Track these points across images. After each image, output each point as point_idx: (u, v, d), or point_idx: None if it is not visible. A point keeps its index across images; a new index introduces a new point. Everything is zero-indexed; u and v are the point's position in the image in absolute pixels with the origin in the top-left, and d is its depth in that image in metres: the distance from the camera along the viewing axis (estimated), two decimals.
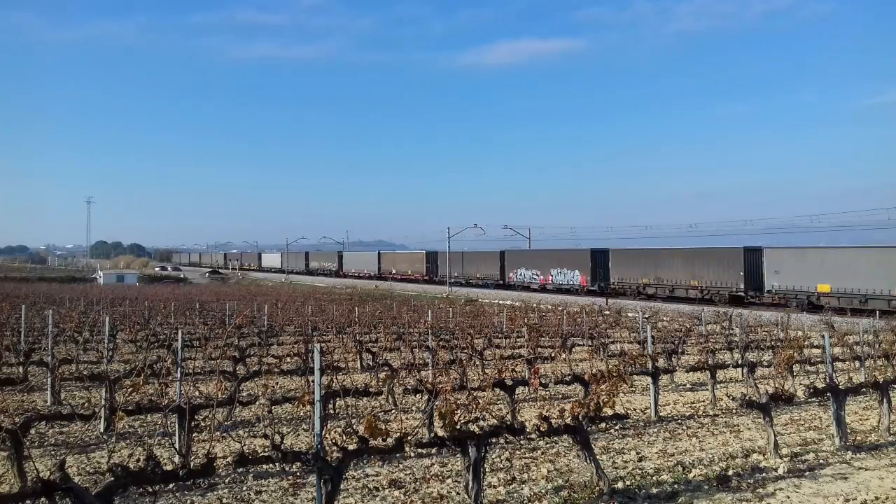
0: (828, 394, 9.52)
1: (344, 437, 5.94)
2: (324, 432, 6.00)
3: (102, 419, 10.42)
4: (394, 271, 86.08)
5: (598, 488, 7.27)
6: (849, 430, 9.89)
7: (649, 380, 12.07)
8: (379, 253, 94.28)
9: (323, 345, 17.72)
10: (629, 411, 11.31)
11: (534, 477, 8.10)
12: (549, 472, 8.26)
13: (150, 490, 5.39)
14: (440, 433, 6.68)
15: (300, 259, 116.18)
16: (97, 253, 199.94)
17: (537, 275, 63.10)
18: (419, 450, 8.46)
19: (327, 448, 5.94)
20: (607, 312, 32.14)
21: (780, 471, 8.22)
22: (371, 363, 15.90)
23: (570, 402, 8.16)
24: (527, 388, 12.05)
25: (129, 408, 8.33)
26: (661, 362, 14.29)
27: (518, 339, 21.75)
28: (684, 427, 11.15)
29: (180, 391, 9.93)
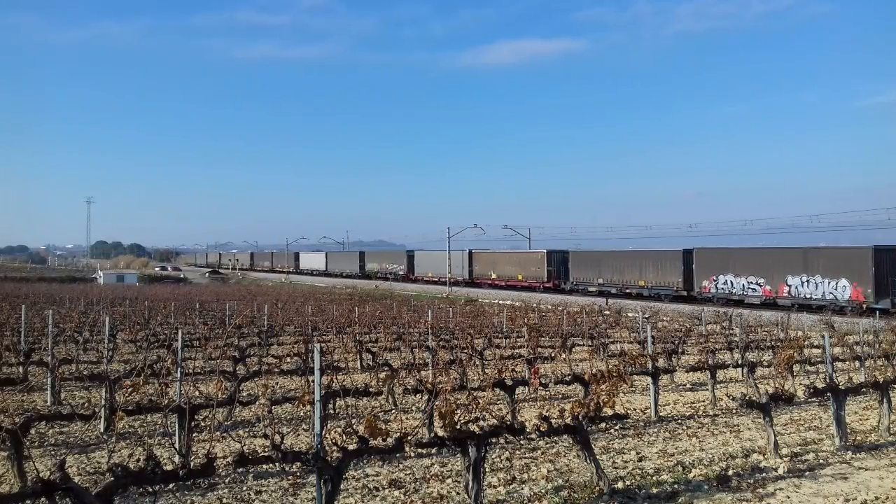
0: (828, 394, 9.52)
1: (344, 437, 5.94)
2: (324, 432, 6.00)
3: (102, 419, 10.42)
4: (494, 276, 66.79)
5: (598, 488, 7.27)
6: (849, 430, 9.89)
7: (649, 380, 12.07)
8: (470, 252, 72.57)
9: (323, 345, 17.72)
10: (629, 411, 11.30)
11: (534, 477, 8.09)
12: (549, 472, 8.26)
13: (150, 490, 5.39)
14: (440, 433, 6.68)
15: (349, 259, 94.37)
16: (97, 253, 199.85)
17: (758, 284, 42.45)
18: (419, 450, 8.46)
19: (327, 448, 5.93)
20: (607, 312, 32.14)
21: (780, 471, 8.22)
22: (371, 363, 15.90)
23: (570, 402, 8.16)
24: (527, 388, 12.07)
25: (129, 408, 8.32)
26: (661, 362, 14.29)
27: (518, 339, 21.75)
28: (684, 427, 11.15)
29: (180, 391, 9.93)
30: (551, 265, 60.24)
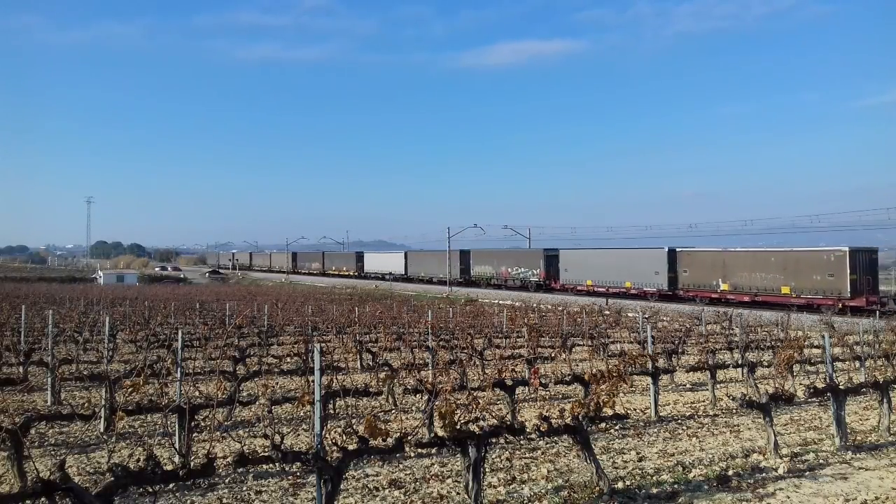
0: (828, 394, 9.52)
1: (344, 437, 5.93)
2: (324, 432, 6.00)
3: (102, 419, 10.42)
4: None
5: (598, 488, 7.27)
6: (849, 430, 9.89)
7: (649, 380, 12.07)
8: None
9: (323, 345, 17.72)
10: (629, 411, 11.29)
11: (534, 477, 8.09)
12: (549, 472, 8.26)
13: (150, 490, 5.39)
14: (440, 433, 6.68)
15: (446, 260, 71.37)
16: (97, 253, 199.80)
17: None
18: (419, 450, 8.46)
19: (327, 448, 5.93)
20: (607, 312, 32.14)
21: (780, 471, 8.22)
22: (371, 363, 15.90)
23: (570, 402, 8.16)
24: (527, 388, 12.06)
25: (129, 408, 8.32)
26: (661, 362, 14.29)
27: (518, 339, 21.74)
28: (684, 427, 11.15)
29: (180, 391, 9.93)
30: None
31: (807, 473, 8.19)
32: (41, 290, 53.91)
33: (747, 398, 8.77)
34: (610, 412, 7.67)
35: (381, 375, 12.61)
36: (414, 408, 12.41)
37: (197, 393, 10.33)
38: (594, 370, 8.64)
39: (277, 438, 5.60)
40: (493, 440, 7.78)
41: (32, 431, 9.71)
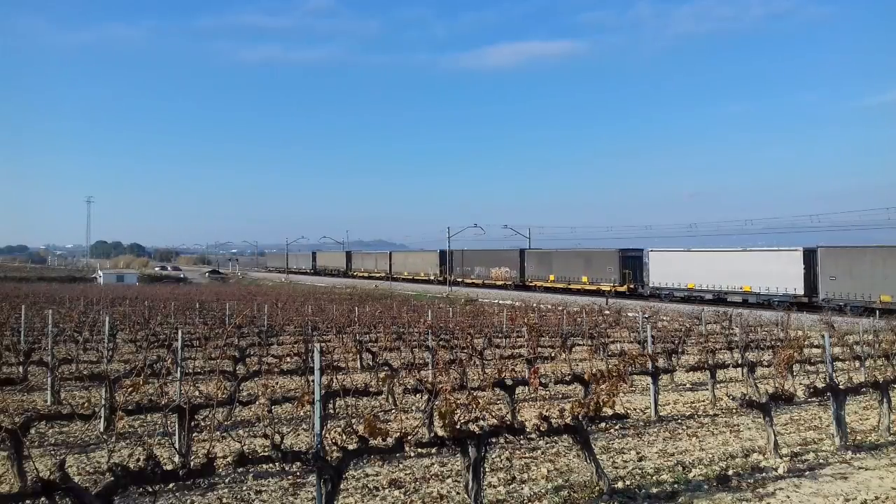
0: (828, 393, 9.52)
1: (344, 437, 5.93)
2: (324, 432, 5.99)
3: (102, 419, 10.41)
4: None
5: (598, 488, 7.27)
6: (849, 430, 9.89)
7: (649, 380, 12.07)
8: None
9: (323, 345, 17.73)
10: (629, 411, 11.29)
11: (534, 477, 8.09)
12: (549, 471, 8.26)
13: (150, 490, 5.38)
14: (440, 433, 6.68)
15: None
16: (97, 253, 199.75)
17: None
18: (419, 450, 8.46)
19: (327, 448, 5.93)
20: (607, 312, 32.14)
21: (780, 470, 8.22)
22: (371, 363, 15.89)
23: (570, 402, 8.16)
24: (527, 387, 12.04)
25: (129, 408, 8.31)
26: (661, 362, 14.29)
27: (518, 339, 21.75)
28: (684, 427, 11.15)
29: (180, 391, 9.94)
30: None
31: (807, 473, 8.19)
32: (41, 290, 53.90)
33: (747, 398, 8.77)
34: (610, 412, 7.67)
35: (381, 375, 12.61)
36: (414, 407, 12.41)
37: (197, 393, 10.32)
38: (594, 370, 8.65)
39: (277, 438, 5.59)
40: (493, 440, 7.78)
41: (32, 431, 9.72)
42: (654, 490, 7.53)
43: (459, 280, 71.71)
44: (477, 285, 68.79)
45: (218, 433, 9.93)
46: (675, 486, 7.70)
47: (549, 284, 61.16)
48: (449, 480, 7.93)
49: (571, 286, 58.24)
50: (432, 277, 77.61)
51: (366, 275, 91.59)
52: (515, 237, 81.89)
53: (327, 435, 6.06)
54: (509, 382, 10.34)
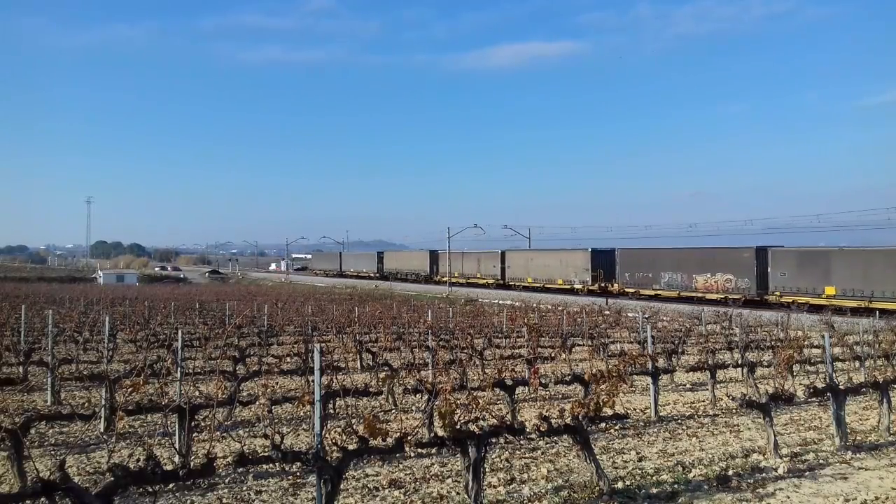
0: (828, 394, 9.52)
1: (344, 437, 5.93)
2: (324, 432, 5.99)
3: (102, 419, 10.41)
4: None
5: (598, 488, 7.27)
6: (849, 430, 9.89)
7: (649, 380, 12.07)
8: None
9: (323, 345, 17.71)
10: (629, 411, 11.31)
11: (534, 477, 8.09)
12: (549, 472, 8.26)
13: (150, 490, 5.38)
14: (440, 433, 6.68)
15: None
16: (97, 253, 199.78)
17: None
18: (419, 450, 8.45)
19: (327, 448, 5.93)
20: (607, 312, 32.13)
21: (780, 471, 8.22)
22: (371, 363, 15.89)
23: (570, 402, 8.15)
24: (527, 388, 12.05)
25: (129, 408, 8.31)
26: (661, 362, 14.29)
27: (518, 339, 21.74)
28: (684, 427, 11.15)
29: (180, 391, 9.94)
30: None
31: (807, 473, 8.19)
32: (41, 290, 53.90)
33: (747, 398, 8.77)
34: (610, 412, 7.67)
35: (381, 375, 12.62)
36: (414, 408, 12.41)
37: (197, 393, 10.33)
38: (594, 370, 8.64)
39: (277, 438, 5.60)
40: (493, 440, 7.78)
41: (32, 431, 9.71)
42: (654, 490, 7.53)
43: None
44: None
45: (218, 433, 9.92)
46: (675, 486, 7.70)
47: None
48: (449, 480, 7.93)
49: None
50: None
51: (463, 281, 72.54)
52: (515, 237, 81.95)
53: (327, 435, 6.06)
54: (509, 382, 10.34)
